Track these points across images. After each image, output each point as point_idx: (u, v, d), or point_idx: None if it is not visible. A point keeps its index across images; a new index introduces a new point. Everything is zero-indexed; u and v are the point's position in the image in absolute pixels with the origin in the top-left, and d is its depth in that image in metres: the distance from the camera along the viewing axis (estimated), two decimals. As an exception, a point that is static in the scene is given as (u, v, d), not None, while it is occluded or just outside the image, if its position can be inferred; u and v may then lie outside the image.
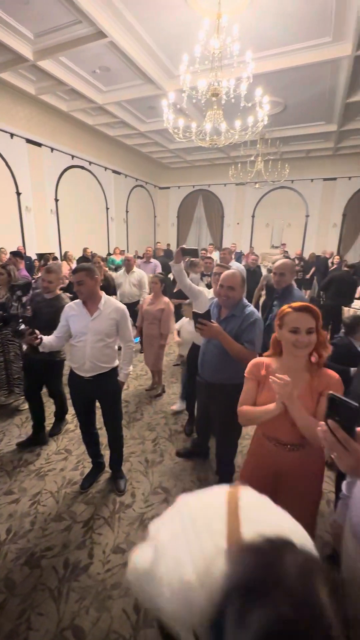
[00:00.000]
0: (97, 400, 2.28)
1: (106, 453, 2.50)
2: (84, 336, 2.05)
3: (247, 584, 0.43)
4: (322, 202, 11.41)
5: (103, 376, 2.12)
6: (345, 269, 5.94)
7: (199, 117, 6.97)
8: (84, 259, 7.61)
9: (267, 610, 0.39)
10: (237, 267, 4.60)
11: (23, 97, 7.05)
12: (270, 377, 1.22)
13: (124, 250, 10.41)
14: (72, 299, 2.36)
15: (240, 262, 8.39)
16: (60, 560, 1.82)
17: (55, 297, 2.69)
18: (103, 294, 2.11)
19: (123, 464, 2.48)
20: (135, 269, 4.75)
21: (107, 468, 2.49)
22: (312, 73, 5.78)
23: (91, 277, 1.99)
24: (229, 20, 3.90)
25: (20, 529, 2.00)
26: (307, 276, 8.71)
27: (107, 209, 10.85)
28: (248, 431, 2.88)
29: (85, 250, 8.26)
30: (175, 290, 4.28)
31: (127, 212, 11.97)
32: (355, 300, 5.63)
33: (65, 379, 2.44)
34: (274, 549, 0.46)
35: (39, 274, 4.81)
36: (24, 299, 3.16)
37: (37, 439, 2.79)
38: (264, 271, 6.54)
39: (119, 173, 11.10)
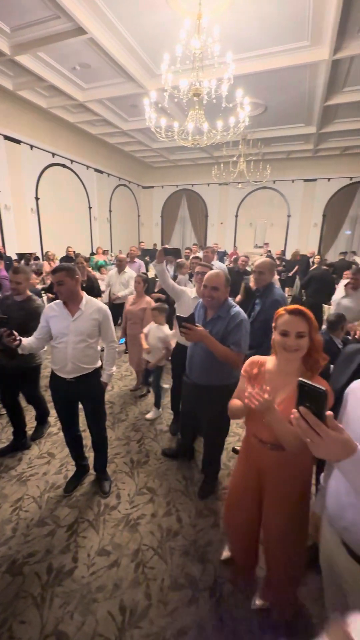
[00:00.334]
0: (80, 402, 2.25)
1: (90, 455, 2.47)
2: (65, 337, 2.01)
3: None
4: (303, 203, 11.67)
5: (86, 377, 2.09)
6: (324, 267, 6.10)
7: (181, 116, 6.98)
8: (67, 258, 7.48)
9: None
10: (219, 266, 4.64)
11: (0, 93, 6.84)
12: (247, 391, 1.18)
13: (107, 250, 10.29)
14: (53, 299, 2.31)
15: (224, 262, 8.48)
16: (43, 566, 1.78)
17: (26, 299, 2.55)
18: (84, 294, 2.08)
19: (108, 466, 2.45)
20: (127, 269, 4.69)
21: (91, 470, 2.46)
22: (291, 76, 5.90)
23: (71, 277, 1.95)
24: (210, 21, 3.93)
25: (1, 536, 1.94)
26: (290, 274, 8.89)
27: (90, 208, 10.70)
28: (233, 429, 2.92)
29: (68, 249, 8.11)
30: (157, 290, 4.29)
31: (110, 211, 11.85)
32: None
33: (45, 382, 2.38)
34: None
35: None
36: None
37: (19, 444, 2.72)
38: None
39: (101, 172, 10.97)
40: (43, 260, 7.85)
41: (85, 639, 1.46)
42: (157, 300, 4.33)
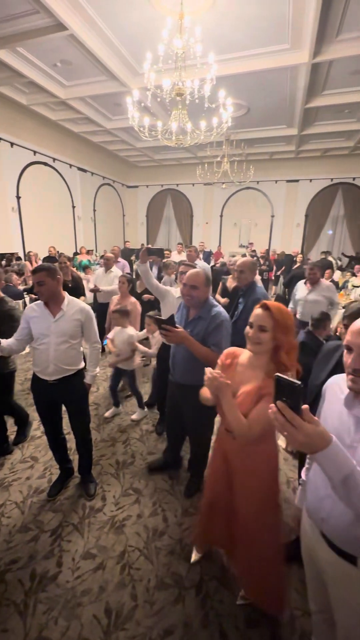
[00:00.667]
0: (63, 405, 2.21)
1: (75, 458, 2.44)
2: (46, 338, 1.97)
3: None
4: (286, 203, 11.87)
5: (68, 379, 2.06)
6: (306, 267, 6.23)
7: (165, 115, 6.96)
8: (49, 258, 7.34)
9: None
10: (202, 266, 4.66)
11: (-22, 88, 6.65)
12: (207, 370, 1.24)
13: (91, 250, 10.16)
14: (35, 300, 2.25)
15: (209, 262, 8.54)
16: (26, 572, 1.75)
17: None
18: (66, 294, 2.05)
19: (93, 468, 2.42)
20: (113, 268, 4.62)
21: (76, 473, 2.43)
22: (272, 78, 5.99)
23: (52, 277, 1.92)
24: (192, 21, 3.94)
25: (-18, 544, 1.89)
26: (278, 273, 9.08)
27: (74, 207, 10.53)
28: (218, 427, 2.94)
29: (50, 249, 7.96)
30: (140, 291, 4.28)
31: (94, 210, 11.70)
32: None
33: (21, 387, 2.30)
34: None
35: None
36: None
37: (0, 449, 2.65)
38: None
39: (85, 171, 10.81)
40: (25, 260, 7.68)
41: (69, 644, 1.44)
42: (147, 301, 4.32)
